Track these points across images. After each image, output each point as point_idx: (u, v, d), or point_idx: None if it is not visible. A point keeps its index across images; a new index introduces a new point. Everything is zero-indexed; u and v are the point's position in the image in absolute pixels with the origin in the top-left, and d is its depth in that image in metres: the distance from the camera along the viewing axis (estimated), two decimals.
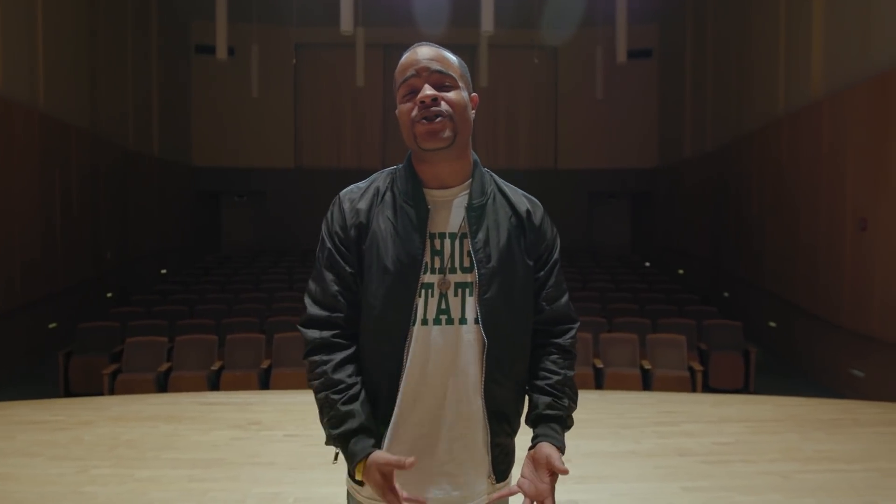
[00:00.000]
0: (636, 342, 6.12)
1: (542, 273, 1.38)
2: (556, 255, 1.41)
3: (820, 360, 7.09)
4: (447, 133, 1.25)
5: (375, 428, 1.25)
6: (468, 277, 1.29)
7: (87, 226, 9.09)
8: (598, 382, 5.86)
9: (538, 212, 1.39)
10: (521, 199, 1.39)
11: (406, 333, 1.26)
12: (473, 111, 1.33)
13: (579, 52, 14.16)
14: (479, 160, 1.38)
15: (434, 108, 1.24)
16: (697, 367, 5.96)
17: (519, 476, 1.28)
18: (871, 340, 5.98)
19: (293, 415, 4.27)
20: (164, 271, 11.97)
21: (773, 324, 8.29)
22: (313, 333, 1.29)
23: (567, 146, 15.03)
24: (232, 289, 9.47)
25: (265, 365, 6.00)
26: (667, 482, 3.23)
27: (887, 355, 5.75)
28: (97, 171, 9.45)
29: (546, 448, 1.27)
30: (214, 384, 5.84)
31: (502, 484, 1.36)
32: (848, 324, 6.42)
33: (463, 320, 1.28)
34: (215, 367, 5.90)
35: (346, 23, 8.68)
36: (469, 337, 1.28)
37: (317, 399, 1.28)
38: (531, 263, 1.35)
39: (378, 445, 1.24)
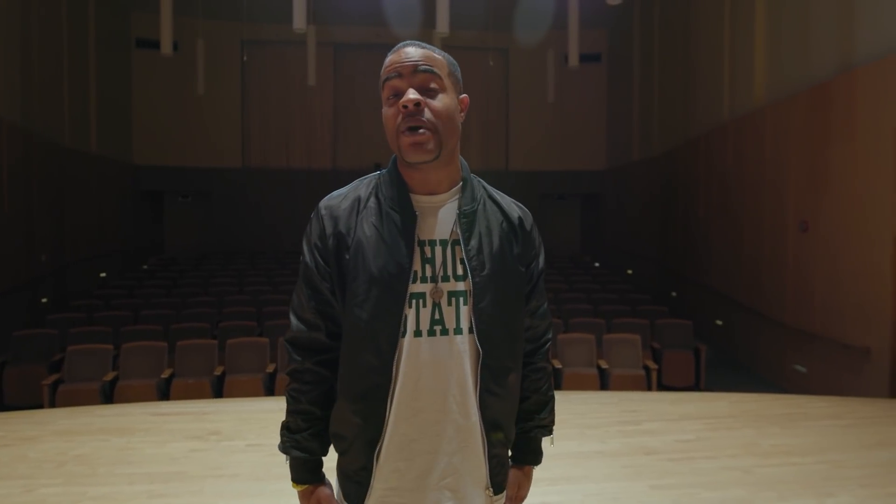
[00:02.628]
0: (593, 342, 6.23)
1: (529, 284, 1.37)
2: (542, 265, 1.40)
3: (764, 356, 7.40)
4: (431, 146, 1.20)
5: (322, 460, 1.34)
6: (461, 286, 1.24)
7: (20, 227, 8.55)
8: (557, 383, 5.92)
9: (528, 219, 1.38)
10: (512, 206, 1.37)
11: (395, 345, 1.21)
12: (463, 114, 1.29)
13: (530, 55, 14.36)
14: (468, 166, 1.35)
15: (417, 118, 1.19)
16: (652, 365, 6.11)
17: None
18: (812, 337, 6.28)
19: (253, 423, 4.13)
20: (103, 275, 11.41)
21: (719, 322, 8.60)
22: (296, 356, 1.31)
23: (518, 148, 15.21)
24: (179, 293, 9.11)
25: (218, 372, 5.79)
26: (635, 481, 3.28)
27: (828, 351, 6.05)
28: (30, 169, 8.92)
29: (524, 477, 1.44)
30: (164, 393, 5.60)
31: (499, 496, 1.34)
32: (791, 321, 6.73)
33: (458, 330, 1.24)
34: (165, 374, 5.66)
35: (299, 21, 8.50)
36: (464, 347, 1.24)
37: (287, 412, 1.33)
38: (523, 270, 1.33)
39: (323, 478, 1.35)
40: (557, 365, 6.02)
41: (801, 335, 6.51)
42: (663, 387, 6.46)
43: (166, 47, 9.19)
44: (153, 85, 13.81)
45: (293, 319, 1.31)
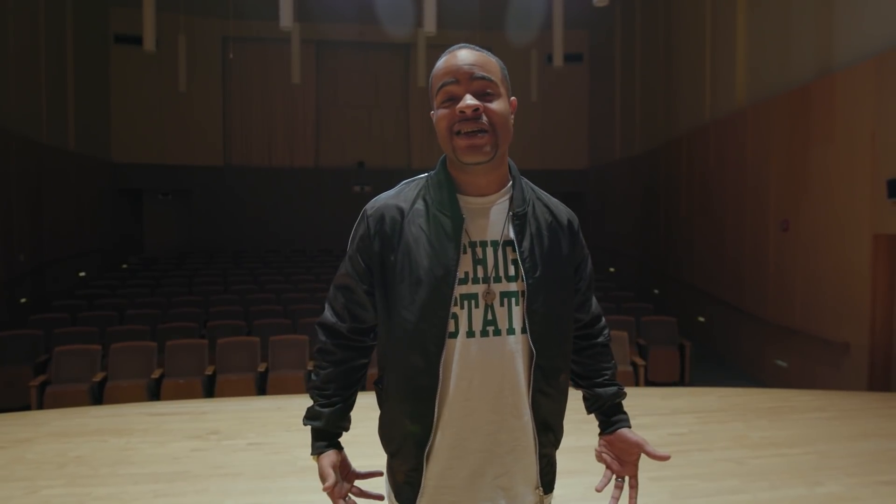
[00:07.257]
0: None
1: (582, 283, 1.40)
2: (590, 264, 1.43)
3: (746, 351, 7.59)
4: (487, 148, 1.20)
5: (337, 431, 1.36)
6: (513, 286, 1.25)
7: None
8: None
9: (575, 220, 1.39)
10: (559, 208, 1.37)
11: (442, 347, 1.21)
12: (512, 116, 1.28)
13: (514, 55, 14.43)
14: (516, 167, 1.35)
15: (476, 122, 1.19)
16: (640, 361, 6.23)
17: (602, 457, 1.43)
18: (793, 333, 6.46)
19: (252, 422, 4.13)
20: (82, 274, 11.22)
21: (701, 318, 8.78)
22: (322, 337, 1.38)
23: None
24: (163, 292, 9.01)
25: (209, 371, 5.77)
26: None
27: (808, 346, 6.23)
28: (7, 167, 8.74)
29: (632, 435, 1.41)
30: (155, 393, 5.56)
31: (549, 496, 1.35)
32: (772, 318, 6.91)
33: (511, 331, 1.24)
34: (155, 375, 5.61)
35: (286, 18, 8.46)
36: (517, 347, 1.25)
37: (310, 385, 1.40)
38: (572, 272, 1.35)
39: (334, 446, 1.35)
40: None
41: (781, 331, 6.69)
42: (650, 383, 6.58)
43: (149, 43, 9.04)
44: (133, 81, 13.60)
45: (326, 307, 1.38)
